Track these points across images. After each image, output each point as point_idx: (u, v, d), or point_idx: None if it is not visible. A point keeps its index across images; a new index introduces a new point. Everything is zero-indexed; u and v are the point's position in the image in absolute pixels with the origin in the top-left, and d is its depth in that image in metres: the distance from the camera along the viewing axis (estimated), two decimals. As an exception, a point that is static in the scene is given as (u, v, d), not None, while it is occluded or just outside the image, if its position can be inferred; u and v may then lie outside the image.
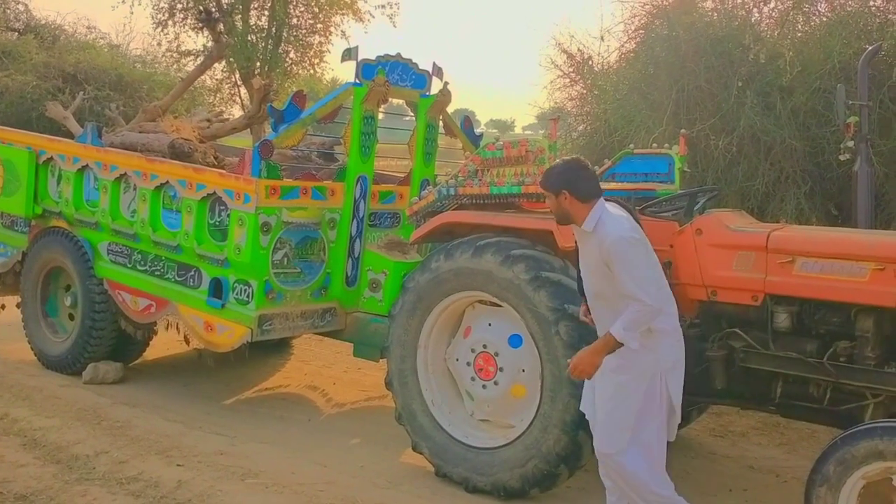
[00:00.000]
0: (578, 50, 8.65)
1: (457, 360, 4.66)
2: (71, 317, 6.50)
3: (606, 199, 3.78)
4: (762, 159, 6.78)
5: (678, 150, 5.57)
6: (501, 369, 4.46)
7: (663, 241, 4.72)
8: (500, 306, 4.47)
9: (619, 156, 5.74)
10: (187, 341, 6.42)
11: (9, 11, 14.11)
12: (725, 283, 4.40)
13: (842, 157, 5.70)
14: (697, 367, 4.45)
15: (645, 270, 3.56)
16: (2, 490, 4.19)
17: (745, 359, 4.28)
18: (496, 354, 4.48)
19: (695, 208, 4.78)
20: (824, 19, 7.10)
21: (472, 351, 4.57)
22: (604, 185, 5.34)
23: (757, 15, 7.47)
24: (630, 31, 8.03)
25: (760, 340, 4.28)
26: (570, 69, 8.72)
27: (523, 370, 4.40)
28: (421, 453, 4.71)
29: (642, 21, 7.89)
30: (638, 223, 3.80)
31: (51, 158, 6.42)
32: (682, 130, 5.81)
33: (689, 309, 4.64)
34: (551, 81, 8.83)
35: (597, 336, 3.73)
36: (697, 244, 4.51)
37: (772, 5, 7.42)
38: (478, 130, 6.72)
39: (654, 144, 5.95)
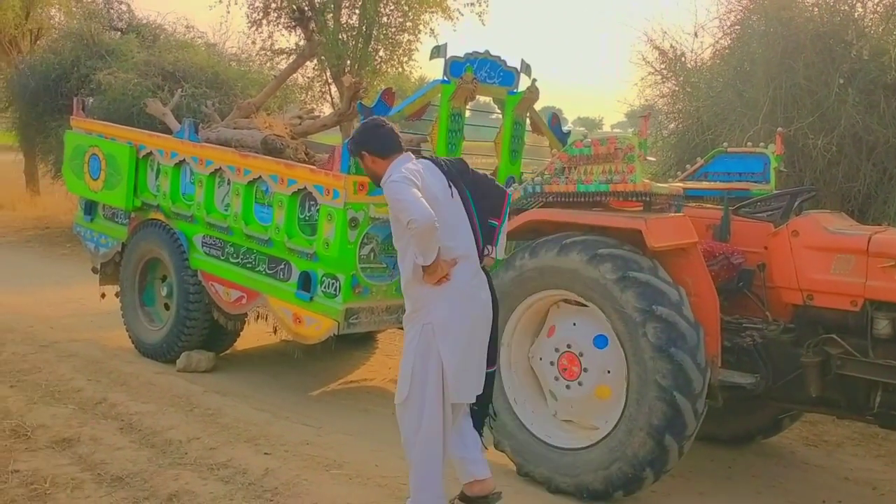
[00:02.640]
0: (671, 46, 8.47)
1: (540, 359, 4.62)
2: (166, 306, 6.72)
3: (433, 161, 3.93)
4: (864, 159, 6.51)
5: (774, 149, 5.40)
6: (586, 370, 4.40)
7: (757, 242, 4.61)
8: (585, 306, 4.41)
9: (712, 154, 5.60)
10: (276, 332, 6.57)
11: (112, 11, 14.71)
12: (823, 286, 4.26)
13: (950, 158, 5.43)
14: (791, 373, 4.32)
15: (409, 195, 3.51)
16: (99, 472, 4.37)
17: (842, 366, 4.13)
18: (581, 355, 4.42)
19: (791, 209, 4.63)
20: (933, 13, 6.77)
21: (556, 350, 4.52)
22: (695, 184, 5.28)
23: (860, 10, 7.17)
24: (725, 27, 7.82)
25: (859, 347, 4.13)
26: (662, 66, 8.55)
27: (608, 371, 4.33)
28: (503, 451, 4.69)
29: (738, 16, 7.68)
30: (460, 180, 3.85)
31: (150, 153, 6.65)
32: (779, 129, 5.62)
33: (783, 313, 4.51)
34: (642, 78, 8.68)
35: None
36: (793, 246, 4.38)
37: (876, 0, 7.11)
38: (565, 128, 6.66)
39: (749, 143, 5.79)
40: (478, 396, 3.90)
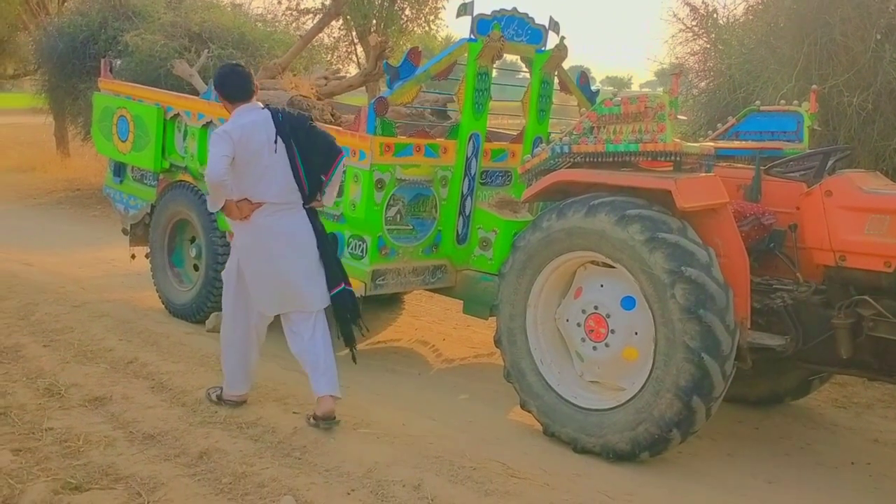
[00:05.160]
0: (703, 2, 8.29)
1: (567, 320, 4.61)
2: (195, 267, 6.77)
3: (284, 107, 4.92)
4: (901, 117, 6.36)
5: (808, 107, 5.28)
6: (613, 331, 4.38)
7: (789, 202, 4.54)
8: (612, 267, 4.38)
9: (744, 113, 5.50)
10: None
11: (139, -28, 14.64)
12: (856, 247, 4.20)
13: None
14: (822, 335, 4.28)
15: (213, 152, 4.27)
16: (132, 430, 4.44)
17: (874, 328, 4.08)
18: (608, 316, 4.40)
19: (825, 169, 4.55)
20: (977, -35, 6.54)
21: (583, 312, 4.50)
22: (727, 144, 5.20)
23: (900, -38, 6.94)
24: (759, -19, 7.63)
25: (892, 309, 4.08)
26: (694, 23, 8.38)
27: (636, 333, 4.31)
28: (529, 412, 4.71)
29: (772, -29, 7.48)
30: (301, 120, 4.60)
31: (177, 114, 6.64)
32: (813, 86, 5.49)
33: (814, 274, 4.46)
34: (672, 36, 8.51)
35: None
36: (827, 206, 4.30)
37: (917, -49, 6.88)
38: (594, 87, 6.56)
39: (782, 101, 5.66)
40: (338, 312, 4.67)
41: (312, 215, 4.58)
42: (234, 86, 4.46)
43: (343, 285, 4.62)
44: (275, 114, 4.46)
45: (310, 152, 4.45)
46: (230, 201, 4.38)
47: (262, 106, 4.48)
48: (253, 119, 4.38)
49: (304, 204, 4.52)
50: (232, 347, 4.73)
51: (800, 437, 4.94)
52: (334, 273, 4.60)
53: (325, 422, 4.43)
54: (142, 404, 4.78)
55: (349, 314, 4.70)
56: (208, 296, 6.42)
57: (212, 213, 6.33)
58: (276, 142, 4.37)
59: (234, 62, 4.74)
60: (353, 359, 4.80)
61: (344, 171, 4.73)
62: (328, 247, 4.64)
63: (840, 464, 4.61)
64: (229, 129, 4.32)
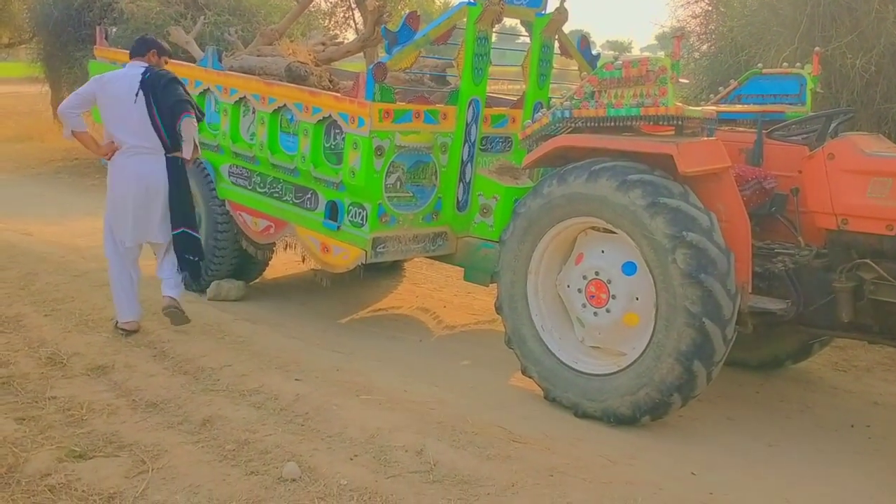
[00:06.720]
0: (704, -36, 8.19)
1: (568, 286, 4.60)
2: (196, 237, 6.74)
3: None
4: (903, 79, 6.31)
5: (811, 69, 5.24)
6: (614, 297, 4.38)
7: (791, 166, 4.52)
8: (614, 233, 4.37)
9: (747, 76, 5.45)
10: (304, 261, 6.61)
11: (133, -62, 14.41)
12: (858, 211, 4.18)
13: None
14: (823, 298, 4.28)
15: (81, 90, 5.22)
16: (134, 398, 4.47)
17: (875, 291, 4.09)
18: (609, 282, 4.40)
19: (827, 132, 4.52)
20: (983, -77, 6.44)
21: (584, 278, 4.50)
22: (728, 107, 5.16)
23: (905, -80, 6.84)
24: (761, -59, 7.52)
25: (893, 272, 4.07)
26: (695, -16, 8.29)
27: (637, 298, 4.31)
28: (530, 377, 4.73)
29: (775, -70, 7.37)
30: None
31: (174, 82, 6.59)
32: (816, 48, 5.44)
33: (816, 238, 4.45)
34: (674, -2, 8.43)
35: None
36: (829, 169, 4.28)
37: None
38: (594, 51, 6.50)
39: (785, 64, 5.61)
40: (178, 250, 5.48)
41: (173, 163, 5.29)
42: (134, 46, 5.40)
43: (182, 229, 5.41)
44: (144, 72, 5.22)
45: (163, 106, 5.17)
46: (79, 132, 5.25)
47: (145, 66, 5.26)
48: (126, 73, 5.26)
49: (166, 152, 5.25)
50: (116, 280, 5.43)
51: (800, 401, 4.97)
52: (176, 217, 5.38)
53: (167, 310, 5.40)
54: (144, 372, 4.80)
55: (190, 254, 5.51)
56: (209, 264, 6.41)
57: (211, 182, 6.33)
58: (137, 94, 5.13)
59: (149, 35, 6.04)
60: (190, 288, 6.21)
61: (198, 129, 5.49)
62: (180, 193, 5.37)
63: (840, 426, 4.63)
64: (103, 76, 5.30)
